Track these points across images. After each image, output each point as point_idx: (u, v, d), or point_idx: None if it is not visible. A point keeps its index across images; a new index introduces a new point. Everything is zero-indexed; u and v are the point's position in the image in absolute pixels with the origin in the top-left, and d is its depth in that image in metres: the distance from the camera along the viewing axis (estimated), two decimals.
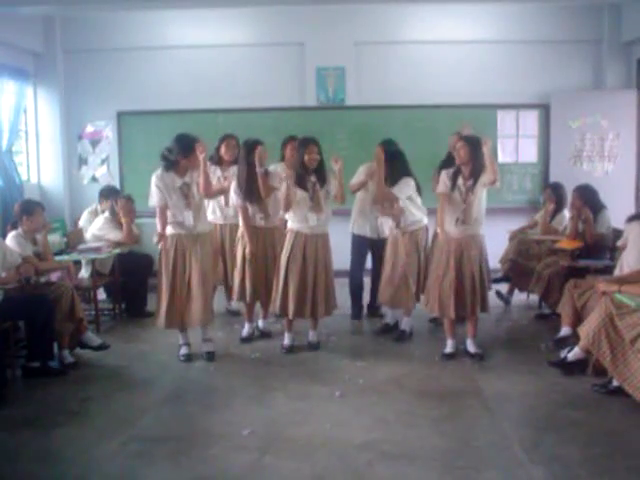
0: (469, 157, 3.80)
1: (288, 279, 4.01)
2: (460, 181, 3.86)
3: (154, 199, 3.85)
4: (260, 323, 4.54)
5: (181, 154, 3.79)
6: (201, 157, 3.76)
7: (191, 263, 3.87)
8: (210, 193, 3.94)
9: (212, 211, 4.61)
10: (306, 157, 3.95)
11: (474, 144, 3.79)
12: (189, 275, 3.87)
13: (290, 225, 4.10)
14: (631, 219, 3.76)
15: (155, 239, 3.91)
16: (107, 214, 5.10)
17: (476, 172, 3.80)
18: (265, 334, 4.49)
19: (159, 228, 3.88)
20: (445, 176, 3.94)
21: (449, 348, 4.01)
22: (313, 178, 4.01)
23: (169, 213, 3.88)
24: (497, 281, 5.22)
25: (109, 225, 5.04)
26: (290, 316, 4.06)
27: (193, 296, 3.87)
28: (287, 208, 4.02)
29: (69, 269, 4.38)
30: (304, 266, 4.01)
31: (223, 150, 4.58)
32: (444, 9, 6.30)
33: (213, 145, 4.59)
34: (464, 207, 3.82)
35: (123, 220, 4.99)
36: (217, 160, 4.60)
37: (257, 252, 4.23)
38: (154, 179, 3.84)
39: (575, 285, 3.88)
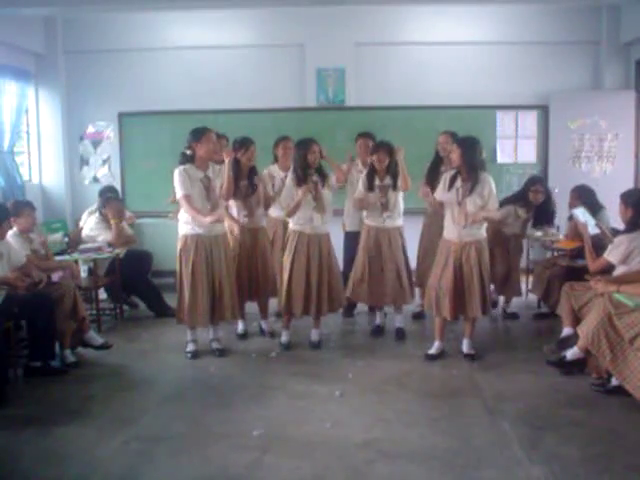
0: (462, 160, 3.79)
1: (292, 279, 4.05)
2: (459, 183, 3.84)
3: (180, 189, 3.83)
4: (263, 324, 4.55)
5: (193, 140, 3.85)
6: (226, 160, 3.91)
7: (217, 265, 3.94)
8: (228, 199, 4.08)
9: None
10: (310, 157, 3.97)
11: (466, 146, 3.79)
12: (218, 276, 3.94)
13: (292, 226, 4.13)
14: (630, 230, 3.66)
15: (235, 231, 4.18)
16: (97, 214, 5.11)
17: (473, 174, 3.78)
18: (269, 334, 4.47)
19: (203, 219, 3.80)
20: (443, 182, 3.91)
21: (434, 349, 3.98)
22: (315, 178, 4.02)
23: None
24: None
25: (101, 225, 5.05)
26: (297, 315, 4.12)
27: (224, 294, 3.96)
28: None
29: (72, 269, 4.39)
30: (308, 266, 4.04)
31: None
32: (443, 10, 6.32)
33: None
34: (461, 209, 3.81)
35: (112, 222, 5.00)
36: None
37: (240, 252, 4.28)
38: (177, 172, 3.87)
39: (571, 287, 3.89)
